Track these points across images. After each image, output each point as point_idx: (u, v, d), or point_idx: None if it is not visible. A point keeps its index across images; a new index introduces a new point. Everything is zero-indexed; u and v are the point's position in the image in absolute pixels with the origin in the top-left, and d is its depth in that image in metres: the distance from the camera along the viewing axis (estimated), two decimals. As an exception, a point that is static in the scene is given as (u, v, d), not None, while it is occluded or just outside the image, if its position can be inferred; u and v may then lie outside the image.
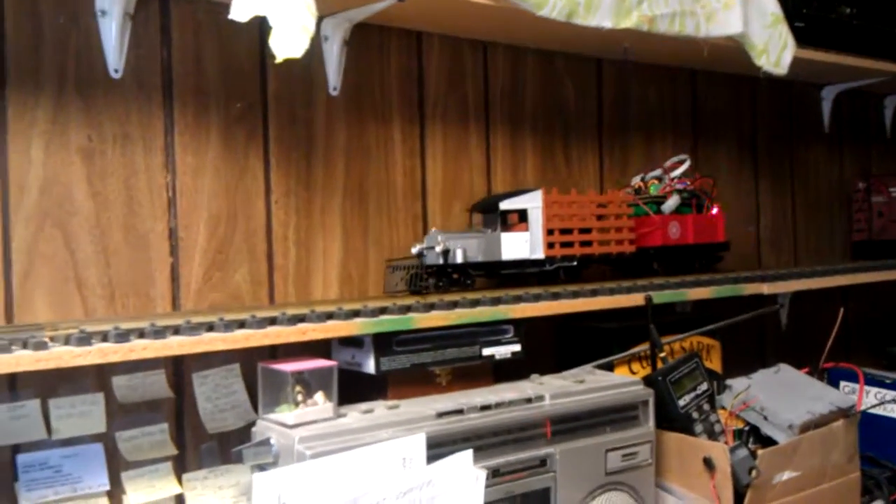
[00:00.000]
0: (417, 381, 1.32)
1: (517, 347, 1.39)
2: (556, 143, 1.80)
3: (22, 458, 1.18)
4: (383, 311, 1.25)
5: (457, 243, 1.42)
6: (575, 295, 1.45)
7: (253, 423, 1.27)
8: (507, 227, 1.50)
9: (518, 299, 1.38)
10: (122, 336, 1.04)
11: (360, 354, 1.29)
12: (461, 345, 1.34)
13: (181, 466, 1.30)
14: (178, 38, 1.33)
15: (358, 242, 1.52)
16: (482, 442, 1.22)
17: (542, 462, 1.29)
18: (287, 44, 1.10)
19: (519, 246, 1.48)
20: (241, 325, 1.14)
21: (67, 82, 1.24)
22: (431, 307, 1.29)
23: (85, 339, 1.01)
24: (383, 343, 1.27)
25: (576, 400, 1.34)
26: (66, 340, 1.02)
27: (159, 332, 1.07)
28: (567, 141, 1.82)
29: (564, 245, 1.51)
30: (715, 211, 1.81)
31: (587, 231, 1.55)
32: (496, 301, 1.35)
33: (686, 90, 2.06)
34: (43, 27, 1.22)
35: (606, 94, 1.90)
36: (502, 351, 1.38)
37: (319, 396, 1.18)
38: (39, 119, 1.21)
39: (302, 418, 1.15)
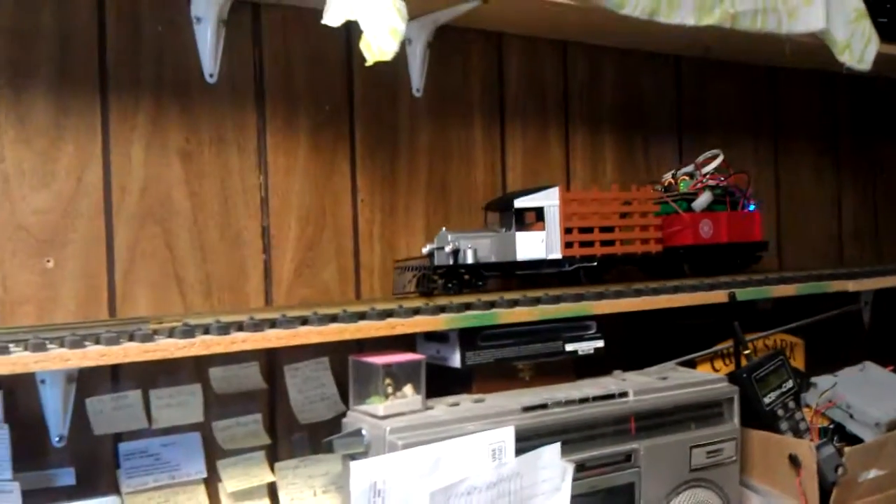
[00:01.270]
0: (501, 376, 1.33)
1: (600, 343, 1.40)
2: (635, 141, 1.81)
3: (124, 447, 1.24)
4: (468, 306, 1.27)
5: (468, 243, 1.37)
6: (656, 292, 1.45)
7: (342, 415, 1.31)
8: (524, 226, 1.44)
9: (600, 296, 1.39)
10: (223, 329, 1.08)
11: (446, 349, 1.31)
12: (544, 340, 1.35)
13: (273, 456, 1.35)
14: (269, 43, 1.38)
15: (438, 237, 1.55)
16: (567, 436, 1.23)
17: (627, 457, 1.30)
18: (378, 47, 1.14)
19: (535, 246, 1.42)
20: (334, 319, 1.17)
21: (165, 87, 1.29)
22: (515, 303, 1.31)
23: (189, 332, 1.06)
24: (469, 338, 1.29)
25: (660, 396, 1.34)
26: (171, 333, 1.06)
27: (258, 326, 1.11)
28: (646, 139, 1.82)
29: (584, 245, 1.46)
30: (752, 208, 1.72)
31: (609, 230, 1.49)
32: (579, 297, 1.36)
33: (765, 87, 2.04)
34: (142, 34, 1.28)
35: (685, 91, 1.89)
36: (585, 347, 1.39)
37: (408, 389, 1.21)
38: (140, 123, 1.27)
39: (392, 410, 1.18)
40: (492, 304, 1.29)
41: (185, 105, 1.30)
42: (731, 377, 1.45)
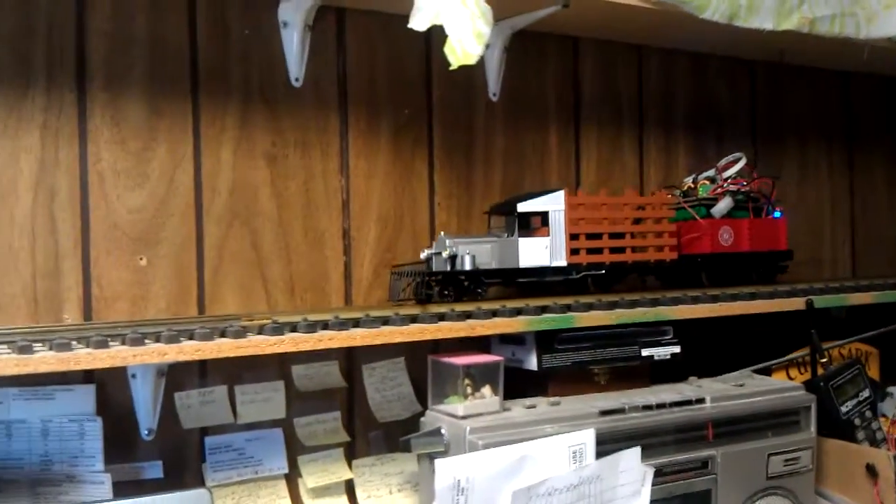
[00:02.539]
0: (576, 380, 1.34)
1: (676, 349, 1.39)
2: (708, 146, 1.80)
3: (209, 441, 1.27)
4: (545, 309, 1.29)
5: (466, 248, 1.31)
6: (733, 298, 1.44)
7: (417, 414, 1.33)
8: (529, 231, 1.38)
9: (676, 301, 1.39)
10: (311, 327, 1.11)
11: (522, 351, 1.32)
12: (621, 344, 1.36)
13: (351, 453, 1.37)
14: (353, 47, 1.41)
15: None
16: (644, 441, 1.23)
17: (704, 464, 1.29)
18: (462, 51, 1.15)
19: (538, 252, 1.35)
20: (414, 319, 1.19)
21: (253, 91, 1.33)
22: (591, 307, 1.32)
23: (278, 329, 1.09)
24: (546, 341, 1.30)
25: (738, 403, 1.34)
26: (260, 330, 1.09)
27: (343, 325, 1.13)
28: (720, 144, 1.81)
29: (592, 252, 1.39)
30: (777, 215, 1.62)
31: (620, 236, 1.42)
32: (655, 302, 1.37)
33: (839, 93, 2.01)
34: (231, 39, 1.31)
35: (760, 96, 1.88)
36: (661, 352, 1.39)
37: (486, 390, 1.23)
38: (228, 125, 1.31)
39: (471, 410, 1.20)
40: (568, 308, 1.30)
41: (271, 108, 1.34)
42: (808, 385, 1.44)
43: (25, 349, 0.95)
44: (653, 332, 1.38)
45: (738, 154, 1.62)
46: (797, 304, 1.49)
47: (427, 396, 1.27)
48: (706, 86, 1.80)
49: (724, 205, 1.56)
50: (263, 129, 1.33)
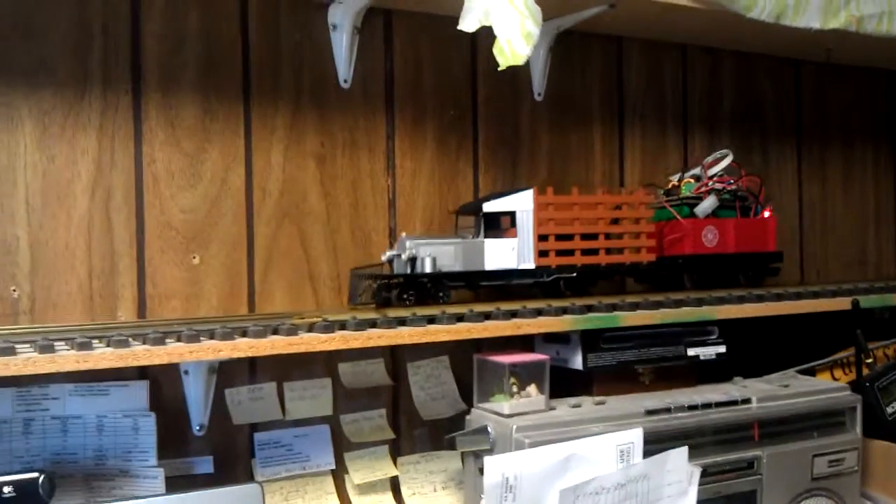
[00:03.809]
0: (621, 379, 1.34)
1: (722, 349, 1.39)
2: (753, 146, 1.79)
3: (259, 437, 1.30)
4: (590, 308, 1.29)
5: (427, 250, 1.25)
6: (779, 297, 1.44)
7: (461, 413, 1.35)
8: (499, 232, 1.33)
9: (722, 301, 1.39)
10: (360, 325, 1.12)
11: (567, 350, 1.33)
12: (666, 344, 1.36)
13: (396, 450, 1.39)
14: (400, 49, 1.42)
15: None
16: (690, 441, 1.23)
17: (750, 464, 1.29)
18: (511, 51, 1.16)
19: (505, 254, 1.31)
20: (460, 318, 1.20)
21: (303, 92, 1.35)
22: (637, 306, 1.32)
23: (328, 327, 1.11)
24: (591, 340, 1.30)
25: (784, 404, 1.34)
26: (311, 328, 1.11)
27: (390, 323, 1.15)
28: (765, 143, 1.80)
29: (562, 253, 1.33)
30: (767, 215, 1.55)
31: (592, 237, 1.36)
32: (700, 302, 1.37)
33: (886, 92, 1.99)
34: (281, 41, 1.33)
35: (805, 96, 1.87)
36: (707, 352, 1.39)
37: (532, 388, 1.24)
38: (279, 126, 1.33)
39: (517, 409, 1.21)
40: (613, 307, 1.30)
41: (320, 110, 1.36)
42: (854, 386, 1.43)
43: (85, 346, 0.97)
44: (699, 331, 1.38)
45: (724, 151, 1.56)
46: (843, 304, 1.48)
47: (471, 395, 1.29)
48: (751, 85, 1.79)
49: (707, 204, 1.49)
50: (313, 130, 1.35)
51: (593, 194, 1.38)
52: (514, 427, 1.16)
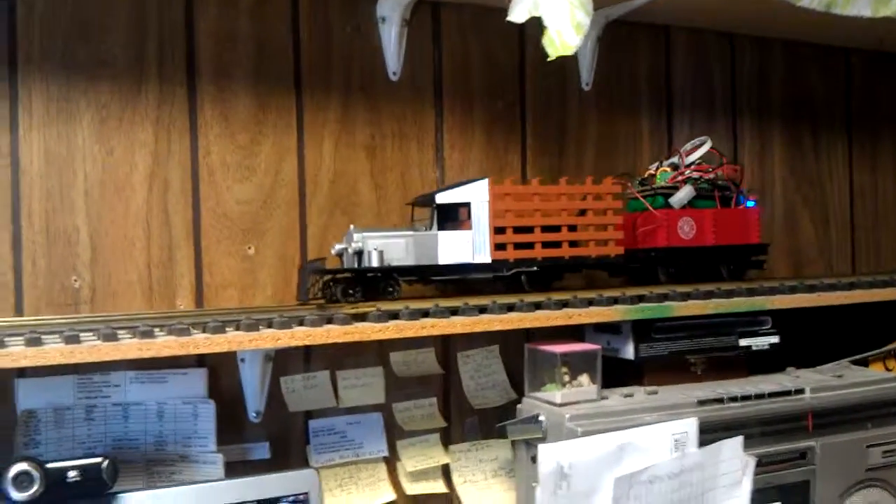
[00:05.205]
0: (672, 369, 1.34)
1: (775, 339, 1.38)
2: (803, 135, 1.77)
3: (313, 424, 1.32)
4: (641, 298, 1.29)
5: (375, 243, 1.20)
6: (832, 287, 1.42)
7: (512, 402, 1.35)
8: (457, 224, 1.27)
9: (773, 291, 1.38)
10: (413, 315, 1.13)
11: (618, 340, 1.33)
12: (718, 334, 1.35)
13: (447, 438, 1.40)
14: (448, 41, 1.43)
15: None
16: (742, 432, 1.23)
17: (803, 455, 1.28)
18: (561, 41, 1.16)
19: (460, 247, 1.24)
20: (511, 308, 1.21)
21: (353, 85, 1.36)
22: (688, 296, 1.31)
23: (382, 317, 1.12)
24: (642, 330, 1.30)
25: (838, 394, 1.32)
26: (365, 317, 1.13)
27: (442, 313, 1.15)
28: (815, 132, 1.78)
29: (521, 247, 1.27)
30: (751, 205, 1.47)
31: (554, 229, 1.29)
32: (752, 292, 1.36)
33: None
34: (332, 36, 1.35)
35: (855, 84, 1.84)
36: (759, 342, 1.38)
37: (584, 378, 1.24)
38: (330, 119, 1.34)
39: (569, 398, 1.21)
40: (665, 297, 1.30)
41: (370, 102, 1.37)
42: (909, 376, 1.41)
43: (147, 334, 0.99)
44: (751, 321, 1.37)
45: (702, 138, 1.47)
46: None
47: (521, 384, 1.29)
48: (800, 74, 1.77)
49: (683, 194, 1.40)
50: (363, 121, 1.37)
51: (555, 184, 1.30)
52: (567, 416, 1.17)
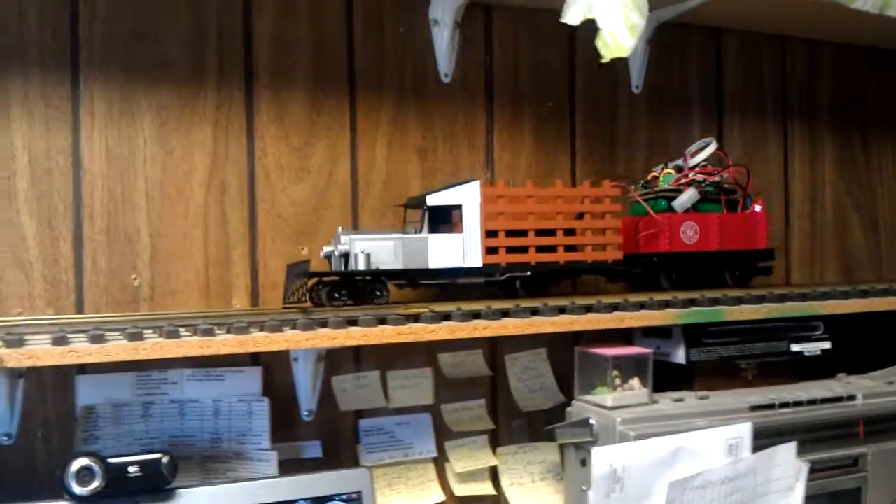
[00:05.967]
0: (723, 374, 1.33)
1: (827, 345, 1.37)
2: (854, 138, 1.75)
3: (363, 423, 1.33)
4: (693, 302, 1.28)
5: (362, 246, 1.16)
6: (885, 293, 1.41)
7: (560, 405, 1.36)
8: (450, 227, 1.23)
9: (826, 295, 1.37)
10: (465, 316, 1.14)
11: (668, 345, 1.33)
12: (770, 339, 1.34)
13: (495, 440, 1.40)
14: (499, 43, 1.44)
15: (655, 236, 1.56)
16: (794, 438, 1.22)
17: (855, 462, 1.27)
18: (615, 43, 1.16)
19: (451, 251, 1.20)
20: (562, 310, 1.21)
21: (405, 87, 1.37)
22: (740, 301, 1.31)
23: (435, 318, 1.13)
24: (694, 334, 1.30)
25: (890, 400, 1.31)
26: (418, 318, 1.13)
27: (494, 315, 1.16)
28: (866, 135, 1.76)
29: (513, 250, 1.23)
30: (758, 209, 1.41)
31: (549, 233, 1.25)
32: (804, 297, 1.35)
33: None
34: (385, 38, 1.36)
35: (908, 87, 1.83)
36: (811, 348, 1.37)
37: (635, 382, 1.24)
38: (383, 121, 1.36)
39: (620, 401, 1.21)
40: (716, 301, 1.29)
41: (422, 104, 1.38)
42: (963, 385, 1.39)
43: (208, 332, 1.01)
44: (803, 327, 1.36)
45: (707, 139, 1.43)
46: (954, 300, 1.44)
47: (569, 387, 1.29)
48: (851, 76, 1.75)
49: (686, 197, 1.35)
50: (414, 123, 1.38)
51: (551, 187, 1.26)
52: (619, 420, 1.17)
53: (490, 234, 1.22)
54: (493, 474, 1.39)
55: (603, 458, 1.07)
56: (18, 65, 1.15)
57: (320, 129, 1.31)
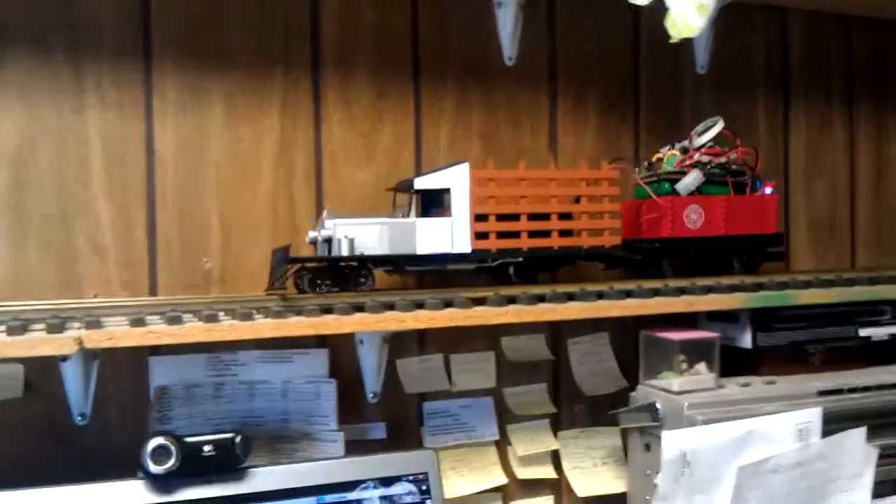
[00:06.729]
0: (790, 359, 1.32)
1: (895, 329, 1.35)
2: (921, 119, 1.72)
3: (427, 406, 1.34)
4: (760, 286, 1.27)
5: (345, 231, 1.12)
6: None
7: (622, 389, 1.35)
8: (441, 211, 1.20)
9: (894, 279, 1.34)
10: (531, 300, 1.14)
11: (734, 329, 1.32)
12: (838, 324, 1.32)
13: (556, 424, 1.41)
14: (562, 25, 1.43)
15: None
16: (862, 423, 1.20)
17: (924, 448, 1.26)
18: (684, 23, 1.15)
19: (440, 236, 1.16)
20: (629, 294, 1.21)
21: (469, 71, 1.37)
22: (808, 284, 1.29)
23: (501, 302, 1.13)
24: (761, 319, 1.29)
25: (962, 386, 1.29)
26: (483, 301, 1.14)
27: (560, 298, 1.16)
28: (936, 116, 1.73)
29: (505, 236, 1.19)
30: (769, 191, 1.36)
31: (543, 217, 1.20)
32: (873, 280, 1.33)
33: None
34: (449, 22, 1.36)
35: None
36: (880, 332, 1.34)
37: (701, 366, 1.23)
38: (447, 105, 1.36)
39: (686, 386, 1.21)
40: (784, 285, 1.28)
41: (485, 88, 1.38)
42: None
43: (280, 314, 1.03)
44: (871, 311, 1.34)
45: (714, 118, 1.37)
46: None
47: (629, 372, 1.28)
48: (920, 56, 1.72)
49: (690, 179, 1.31)
50: (478, 108, 1.38)
51: (545, 168, 1.23)
52: (686, 404, 1.16)
53: (479, 218, 1.18)
54: (555, 458, 1.40)
55: (673, 441, 1.07)
56: (92, 52, 1.18)
57: (385, 114, 1.32)
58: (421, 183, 1.17)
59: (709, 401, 1.18)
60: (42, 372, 1.11)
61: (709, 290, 1.24)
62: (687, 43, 1.47)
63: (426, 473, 1.17)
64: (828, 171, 1.62)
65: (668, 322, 1.27)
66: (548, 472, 1.39)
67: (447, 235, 1.17)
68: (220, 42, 1.23)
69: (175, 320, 0.99)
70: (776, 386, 1.24)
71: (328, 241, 1.13)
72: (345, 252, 1.12)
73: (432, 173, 1.18)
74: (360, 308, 1.08)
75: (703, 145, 1.35)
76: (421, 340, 1.33)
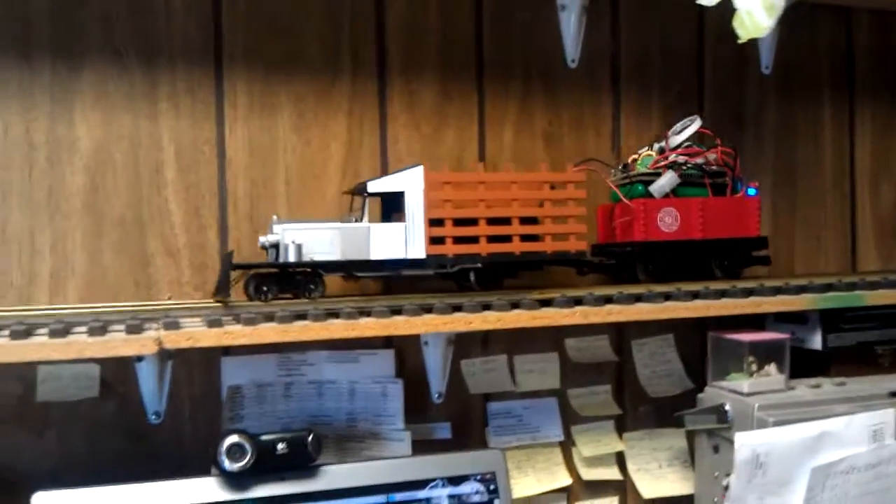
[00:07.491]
0: (858, 360, 1.30)
1: (967, 331, 1.33)
2: None
3: (492, 406, 1.35)
4: (830, 287, 1.26)
5: (293, 236, 1.09)
6: None
7: (687, 391, 1.35)
8: (399, 216, 1.15)
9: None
10: (598, 301, 1.14)
11: (803, 330, 1.30)
12: (909, 325, 1.31)
13: (621, 425, 1.40)
14: (626, 26, 1.43)
15: (785, 221, 1.53)
16: (936, 425, 1.19)
17: None
18: (753, 24, 1.15)
19: (395, 241, 1.13)
20: (696, 295, 1.20)
21: (532, 73, 1.38)
22: (876, 285, 1.27)
23: (567, 303, 1.13)
24: (831, 319, 1.27)
25: None
26: (550, 303, 1.14)
27: (627, 300, 1.16)
28: None
29: (462, 241, 1.14)
30: (752, 193, 1.30)
31: (503, 222, 1.16)
32: (945, 282, 1.30)
33: None
34: (512, 24, 1.37)
35: None
36: (951, 333, 1.32)
37: (771, 368, 1.22)
38: (510, 108, 1.37)
39: (756, 387, 1.20)
40: (854, 286, 1.26)
41: (548, 90, 1.39)
42: None
43: (351, 315, 1.04)
44: (942, 312, 1.32)
45: (691, 117, 1.32)
46: None
47: (693, 373, 1.27)
48: None
49: (664, 181, 1.25)
50: (541, 109, 1.38)
51: (504, 171, 1.19)
52: (756, 406, 1.15)
53: (434, 223, 1.13)
54: (620, 459, 1.40)
55: (746, 443, 1.06)
56: (166, 59, 1.21)
57: (449, 117, 1.33)
58: (375, 186, 1.14)
59: (779, 402, 1.17)
60: (117, 372, 1.14)
61: (777, 290, 1.23)
62: (751, 43, 1.46)
63: (494, 473, 1.17)
64: (894, 171, 1.60)
65: (736, 323, 1.26)
66: (613, 473, 1.39)
67: (401, 241, 1.13)
68: (289, 48, 1.26)
69: (250, 322, 1.01)
70: (847, 387, 1.22)
71: (275, 246, 1.11)
72: (292, 258, 1.09)
73: (387, 177, 1.15)
74: (427, 310, 1.09)
75: (679, 145, 1.30)
76: (485, 341, 1.34)
